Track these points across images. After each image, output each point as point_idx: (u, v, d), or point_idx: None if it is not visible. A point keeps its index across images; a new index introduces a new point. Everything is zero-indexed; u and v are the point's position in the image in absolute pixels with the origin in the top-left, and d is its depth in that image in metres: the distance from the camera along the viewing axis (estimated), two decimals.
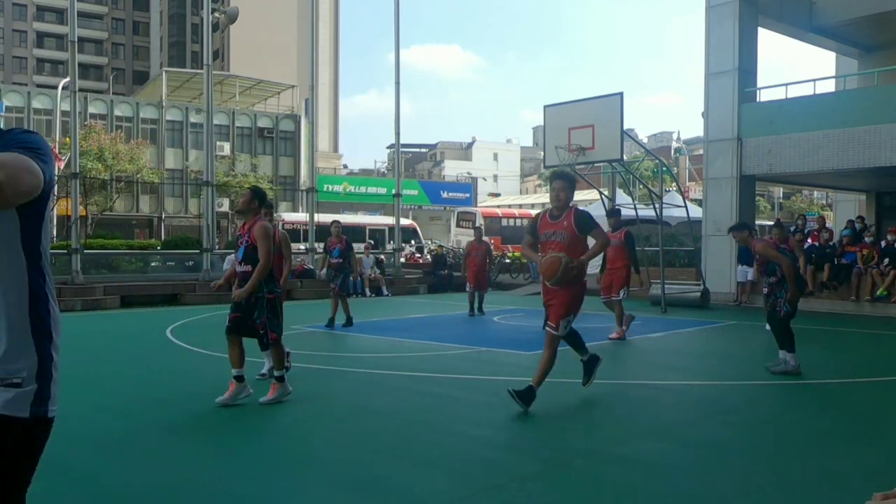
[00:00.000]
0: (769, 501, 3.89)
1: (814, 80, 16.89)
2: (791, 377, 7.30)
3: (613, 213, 10.86)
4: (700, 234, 17.33)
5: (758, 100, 17.08)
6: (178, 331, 10.94)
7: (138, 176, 38.26)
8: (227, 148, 46.64)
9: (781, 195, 60.34)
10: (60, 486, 4.03)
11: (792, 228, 18.00)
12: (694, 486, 4.10)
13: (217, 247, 20.22)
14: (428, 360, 8.30)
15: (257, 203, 6.00)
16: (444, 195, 57.02)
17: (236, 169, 45.23)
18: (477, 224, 31.70)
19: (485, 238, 16.06)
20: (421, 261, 27.87)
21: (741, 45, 16.68)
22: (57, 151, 31.49)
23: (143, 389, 6.67)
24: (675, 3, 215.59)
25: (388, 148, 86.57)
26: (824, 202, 57.18)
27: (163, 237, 38.47)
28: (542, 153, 20.23)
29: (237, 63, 60.92)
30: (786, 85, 20.45)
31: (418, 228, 38.20)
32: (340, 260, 11.31)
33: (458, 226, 41.18)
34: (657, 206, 16.23)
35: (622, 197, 22.69)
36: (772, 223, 18.13)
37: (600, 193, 16.60)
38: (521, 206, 55.33)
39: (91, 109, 44.31)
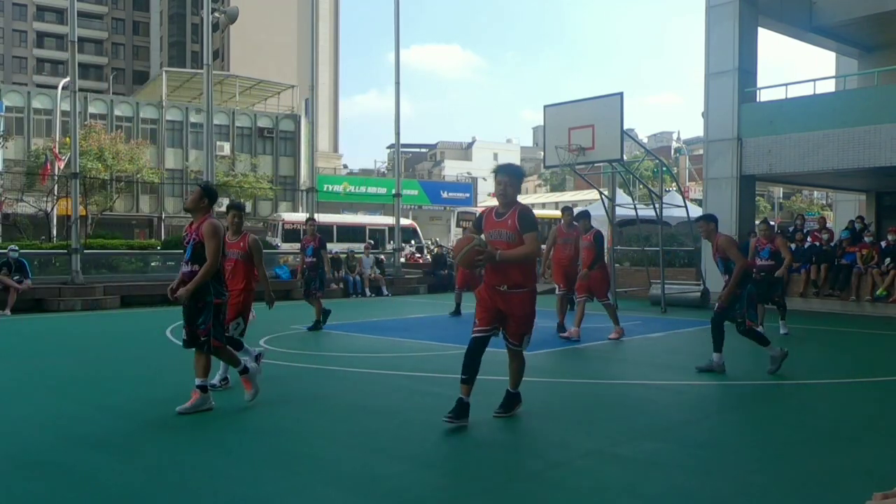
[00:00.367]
0: (769, 501, 3.88)
1: (814, 80, 16.90)
2: (788, 377, 7.30)
3: (582, 215, 10.87)
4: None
5: (758, 100, 17.08)
6: (177, 331, 10.87)
7: (138, 176, 38.27)
8: (227, 148, 46.68)
9: (781, 195, 60.37)
10: (60, 486, 4.04)
11: (791, 228, 18.02)
12: (693, 485, 4.10)
13: None
14: (428, 360, 8.30)
15: (206, 201, 5.74)
16: (444, 195, 57.05)
17: (236, 169, 45.25)
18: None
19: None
20: (421, 261, 27.87)
21: (741, 45, 16.69)
22: (57, 151, 31.52)
23: (143, 389, 6.67)
24: (675, 3, 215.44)
25: (388, 148, 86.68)
26: (824, 202, 57.20)
27: (163, 237, 38.48)
28: (542, 153, 20.23)
29: (237, 63, 60.95)
30: (786, 85, 20.43)
31: (418, 228, 38.20)
32: (314, 259, 11.14)
33: (458, 226, 41.19)
34: (657, 206, 16.24)
35: (622, 197, 22.68)
36: (771, 223, 18.12)
37: (600, 193, 16.57)
38: None
39: (91, 109, 44.34)
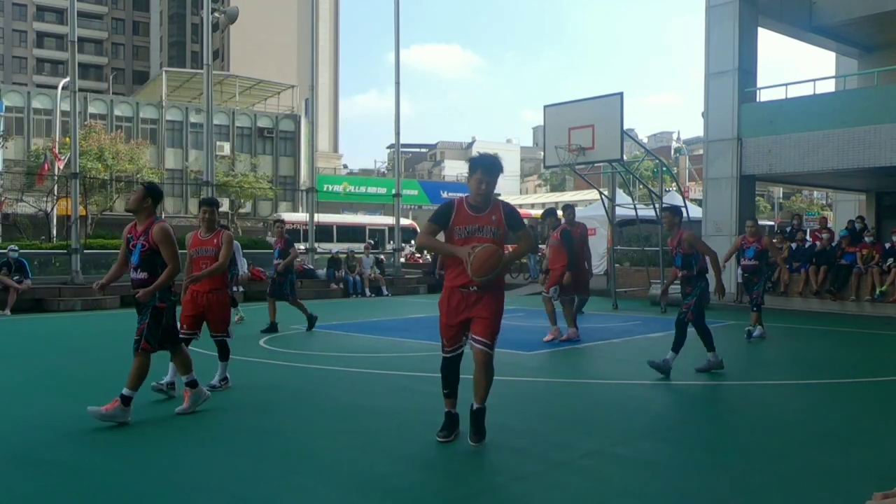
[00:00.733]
0: (769, 501, 3.88)
1: (814, 80, 16.93)
2: (788, 378, 7.30)
3: (548, 213, 10.80)
4: (700, 234, 17.33)
5: (758, 100, 17.08)
6: None
7: (138, 176, 38.23)
8: (227, 148, 46.69)
9: (781, 195, 60.38)
10: (60, 485, 4.04)
11: (788, 228, 18.02)
12: (693, 485, 4.10)
13: None
14: (428, 360, 8.28)
15: (150, 201, 5.41)
16: (444, 195, 56.93)
17: (236, 169, 45.24)
18: None
19: None
20: (421, 261, 27.85)
21: (741, 45, 16.69)
22: (57, 151, 31.52)
23: (143, 389, 6.64)
24: (676, 3, 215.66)
25: (388, 148, 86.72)
26: (824, 202, 57.21)
27: None
28: (542, 153, 20.23)
29: (237, 63, 60.95)
30: (786, 85, 20.45)
31: (419, 228, 38.20)
32: (280, 261, 11.01)
33: None
34: (657, 206, 16.24)
35: (622, 197, 22.67)
36: (771, 223, 18.13)
37: (600, 193, 16.59)
38: (521, 206, 55.29)
39: (91, 109, 44.34)
